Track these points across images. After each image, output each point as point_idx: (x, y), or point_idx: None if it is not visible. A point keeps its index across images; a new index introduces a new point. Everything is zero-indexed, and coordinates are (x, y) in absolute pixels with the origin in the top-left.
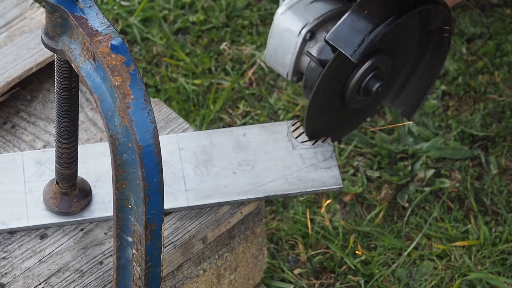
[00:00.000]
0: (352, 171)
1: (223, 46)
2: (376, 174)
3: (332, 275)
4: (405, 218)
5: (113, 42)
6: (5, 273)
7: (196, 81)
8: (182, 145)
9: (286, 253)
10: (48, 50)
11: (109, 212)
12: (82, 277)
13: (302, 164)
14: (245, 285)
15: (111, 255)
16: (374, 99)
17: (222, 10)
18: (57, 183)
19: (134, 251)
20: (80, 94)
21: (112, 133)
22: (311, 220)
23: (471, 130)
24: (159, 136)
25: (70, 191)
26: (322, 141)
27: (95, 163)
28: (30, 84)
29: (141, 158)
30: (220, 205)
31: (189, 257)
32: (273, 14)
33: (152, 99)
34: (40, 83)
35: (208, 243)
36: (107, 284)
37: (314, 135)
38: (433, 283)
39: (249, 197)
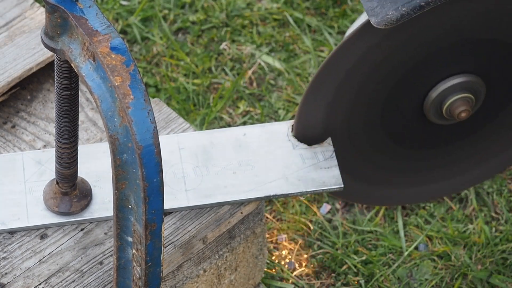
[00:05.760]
0: None
1: (223, 45)
2: None
3: (333, 274)
4: (406, 218)
5: (113, 42)
6: (5, 273)
7: (196, 81)
8: (182, 145)
9: (286, 253)
10: (48, 50)
11: (109, 212)
12: (82, 277)
13: (302, 164)
14: (245, 285)
15: (111, 255)
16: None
17: (222, 10)
18: (57, 183)
19: (134, 251)
20: (80, 94)
21: (112, 133)
22: (311, 220)
23: None
24: (159, 136)
25: (70, 191)
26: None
27: (95, 163)
28: (30, 84)
29: (141, 158)
30: (220, 205)
31: (189, 257)
32: (273, 13)
33: (152, 99)
34: (40, 83)
35: (208, 243)
36: (107, 284)
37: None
38: (433, 282)
39: (249, 197)
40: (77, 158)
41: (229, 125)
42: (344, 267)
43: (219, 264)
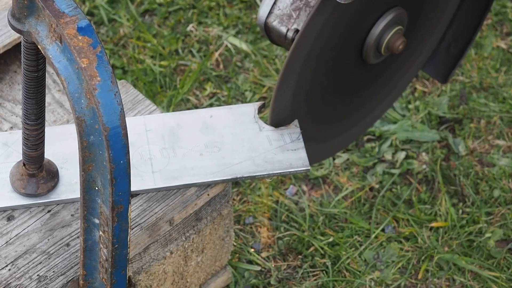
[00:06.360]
0: None
1: (190, 27)
2: (343, 156)
3: (299, 256)
4: (373, 200)
5: (80, 24)
6: None
7: (163, 63)
8: (149, 127)
9: (252, 235)
10: (15, 32)
11: (76, 194)
12: (49, 258)
13: (269, 146)
14: (212, 266)
15: (78, 237)
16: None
17: None
18: (24, 165)
19: (101, 233)
20: (47, 75)
21: (79, 115)
22: (277, 202)
23: (438, 112)
24: (126, 118)
25: (37, 173)
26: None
27: (62, 144)
28: None
29: (107, 140)
30: (187, 186)
31: (156, 239)
32: None
33: (119, 81)
34: (6, 65)
35: (175, 225)
36: (74, 265)
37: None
38: (400, 264)
39: (216, 179)
40: (44, 140)
41: (196, 107)
42: (311, 249)
43: (186, 246)
